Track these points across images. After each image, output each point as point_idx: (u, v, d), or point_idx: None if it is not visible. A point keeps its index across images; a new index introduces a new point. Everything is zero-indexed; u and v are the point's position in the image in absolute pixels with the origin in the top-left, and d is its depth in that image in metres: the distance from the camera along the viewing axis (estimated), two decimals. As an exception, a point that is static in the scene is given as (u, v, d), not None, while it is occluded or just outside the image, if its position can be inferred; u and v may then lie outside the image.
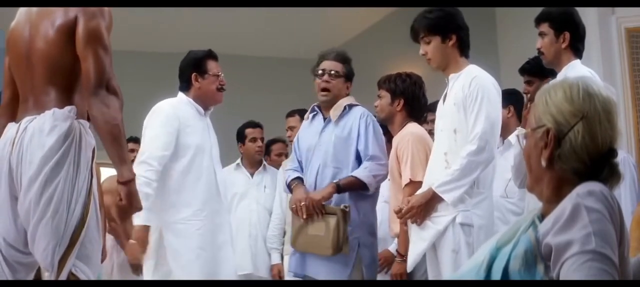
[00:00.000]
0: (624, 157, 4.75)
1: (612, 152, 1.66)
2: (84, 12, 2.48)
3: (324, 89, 3.87)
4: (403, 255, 3.68)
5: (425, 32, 3.43)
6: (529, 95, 4.18)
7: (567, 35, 3.43)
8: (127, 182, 2.45)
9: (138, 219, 3.50)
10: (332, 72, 3.87)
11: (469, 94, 3.26)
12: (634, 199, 4.47)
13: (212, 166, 3.82)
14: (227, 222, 3.90)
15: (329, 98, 3.86)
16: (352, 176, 3.68)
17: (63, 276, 2.33)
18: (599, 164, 1.64)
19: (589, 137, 1.64)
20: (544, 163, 1.68)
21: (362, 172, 3.70)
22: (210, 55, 3.96)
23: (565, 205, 1.58)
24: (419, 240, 3.34)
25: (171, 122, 3.74)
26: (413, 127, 3.85)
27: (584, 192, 1.57)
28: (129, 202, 2.47)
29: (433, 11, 3.45)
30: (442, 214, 3.25)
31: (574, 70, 3.35)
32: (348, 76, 3.91)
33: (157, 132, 3.73)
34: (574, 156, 1.65)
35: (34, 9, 2.58)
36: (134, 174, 2.49)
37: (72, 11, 2.50)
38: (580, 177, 1.64)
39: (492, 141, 3.24)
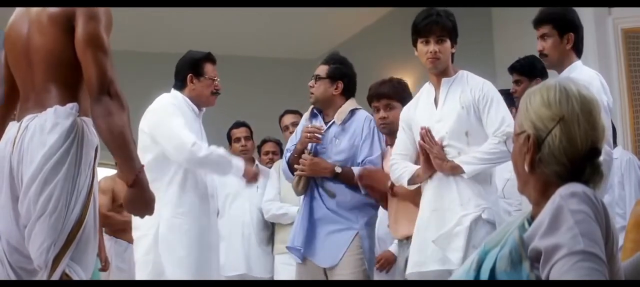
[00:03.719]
0: (629, 158, 4.75)
1: (594, 152, 1.67)
2: (82, 13, 2.42)
3: (310, 93, 4.03)
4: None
5: (445, 33, 3.35)
6: (516, 94, 4.17)
7: (572, 36, 3.44)
8: (138, 176, 2.37)
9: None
10: (316, 75, 4.00)
11: (483, 96, 3.25)
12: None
13: None
14: (215, 224, 3.97)
15: (312, 100, 4.02)
16: (350, 169, 3.83)
17: (56, 275, 2.30)
18: (580, 165, 1.66)
19: (567, 140, 1.65)
20: (526, 168, 1.71)
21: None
22: (209, 58, 4.00)
23: (548, 208, 1.60)
24: (453, 251, 3.18)
25: (179, 115, 3.82)
26: None
27: (566, 194, 1.58)
28: (146, 194, 2.41)
29: (451, 15, 3.40)
30: (468, 212, 3.20)
31: (576, 71, 3.36)
32: (334, 76, 3.97)
33: (175, 125, 3.77)
34: (553, 160, 1.67)
35: (33, 8, 2.52)
36: (142, 165, 2.41)
37: (70, 7, 2.44)
38: (563, 179, 1.65)
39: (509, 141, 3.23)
